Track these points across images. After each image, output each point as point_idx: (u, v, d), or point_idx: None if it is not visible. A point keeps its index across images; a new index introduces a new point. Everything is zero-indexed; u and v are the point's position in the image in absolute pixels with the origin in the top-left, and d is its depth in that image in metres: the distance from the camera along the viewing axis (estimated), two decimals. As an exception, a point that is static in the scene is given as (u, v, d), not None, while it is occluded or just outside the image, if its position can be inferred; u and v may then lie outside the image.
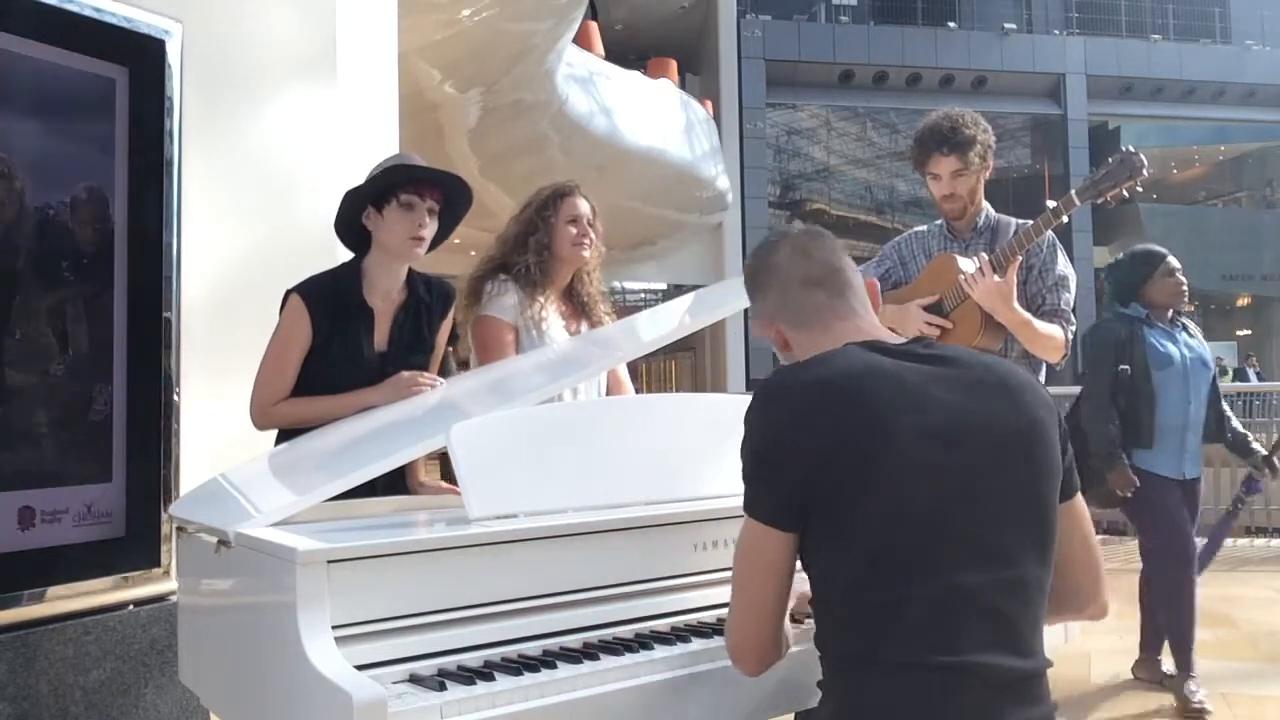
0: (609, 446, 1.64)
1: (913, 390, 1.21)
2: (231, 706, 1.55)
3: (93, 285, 2.26)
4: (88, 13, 2.25)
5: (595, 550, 1.47)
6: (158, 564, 2.33)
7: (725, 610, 1.33)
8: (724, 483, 1.57)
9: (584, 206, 2.56)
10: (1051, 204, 2.45)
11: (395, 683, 1.26)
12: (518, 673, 1.28)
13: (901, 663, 1.15)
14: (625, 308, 13.54)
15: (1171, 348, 3.41)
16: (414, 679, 1.28)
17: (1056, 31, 21.18)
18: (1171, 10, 21.71)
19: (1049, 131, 21.52)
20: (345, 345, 2.18)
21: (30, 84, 2.15)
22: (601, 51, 12.55)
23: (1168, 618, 3.36)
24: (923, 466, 1.17)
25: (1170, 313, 3.50)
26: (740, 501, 1.27)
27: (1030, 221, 2.49)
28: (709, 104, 16.23)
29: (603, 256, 2.62)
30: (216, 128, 2.81)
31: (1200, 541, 3.52)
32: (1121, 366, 3.37)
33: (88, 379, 2.24)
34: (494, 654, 1.35)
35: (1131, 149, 2.40)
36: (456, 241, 2.73)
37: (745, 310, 1.64)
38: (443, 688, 1.23)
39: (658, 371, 20.38)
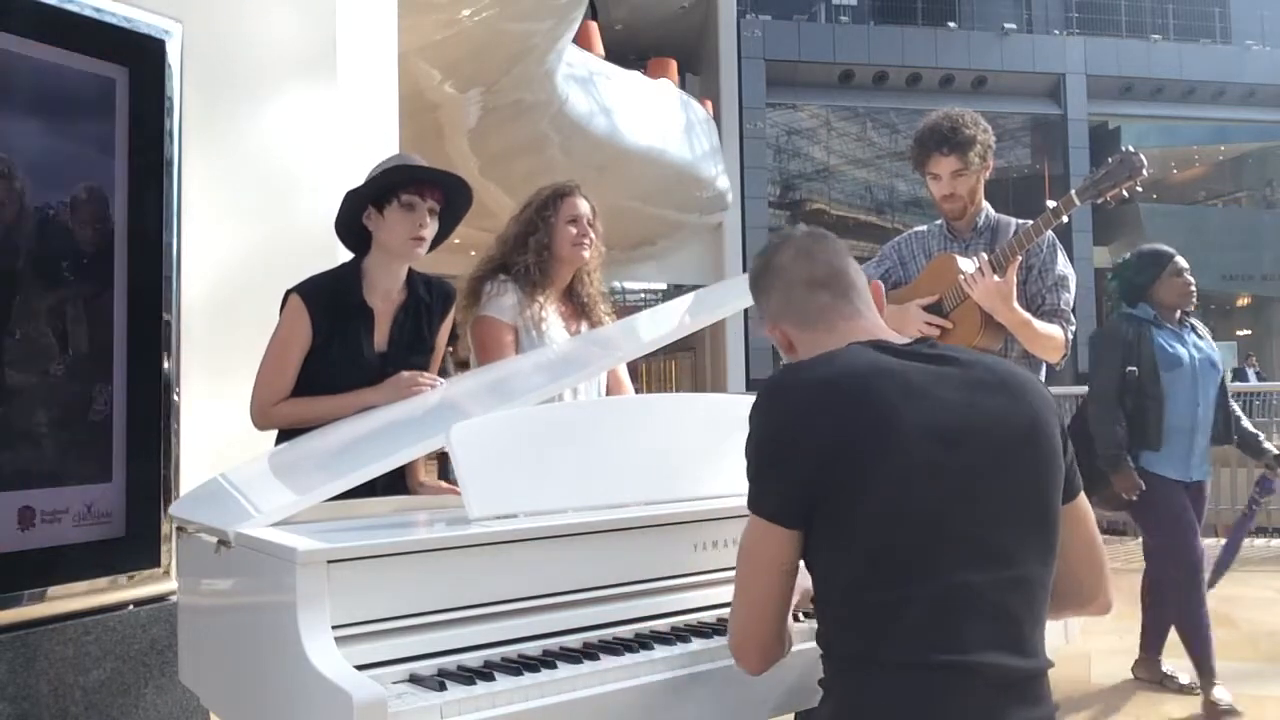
0: (609, 446, 1.64)
1: (917, 390, 1.21)
2: (231, 706, 1.55)
3: (93, 285, 2.26)
4: (88, 13, 2.25)
5: (595, 550, 1.47)
6: (158, 564, 2.33)
7: (725, 610, 1.33)
8: (724, 483, 1.57)
9: (584, 206, 2.56)
10: (1051, 204, 2.45)
11: (395, 683, 1.26)
12: (518, 673, 1.28)
13: (902, 662, 1.15)
14: (625, 308, 13.54)
15: (1180, 349, 3.38)
16: (414, 679, 1.28)
17: (1056, 31, 21.17)
18: (1171, 10, 21.70)
19: (1049, 131, 21.51)
20: (345, 345, 2.18)
21: (30, 84, 2.15)
22: (601, 51, 12.55)
23: (1182, 629, 3.31)
24: (924, 466, 1.17)
25: (1178, 313, 3.46)
26: (740, 501, 1.27)
27: (1030, 221, 2.49)
28: (709, 104, 16.24)
29: (603, 256, 2.62)
30: (216, 128, 2.81)
31: (1217, 543, 3.46)
32: (1129, 368, 3.33)
33: (88, 379, 2.24)
34: (494, 654, 1.35)
35: (1131, 149, 2.40)
36: (456, 241, 2.73)
37: (745, 310, 1.64)
38: (443, 688, 1.23)
39: (658, 371, 20.39)
